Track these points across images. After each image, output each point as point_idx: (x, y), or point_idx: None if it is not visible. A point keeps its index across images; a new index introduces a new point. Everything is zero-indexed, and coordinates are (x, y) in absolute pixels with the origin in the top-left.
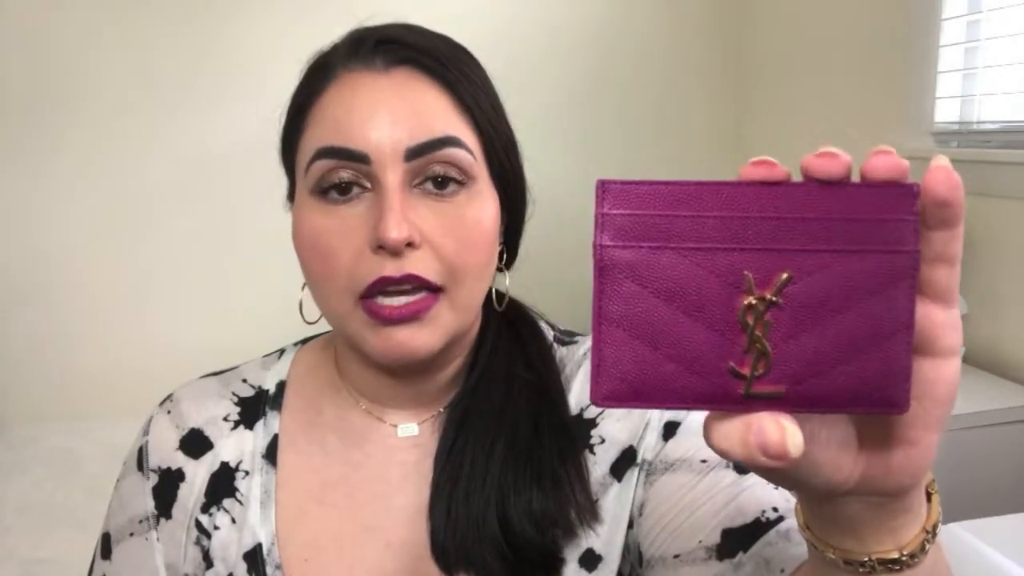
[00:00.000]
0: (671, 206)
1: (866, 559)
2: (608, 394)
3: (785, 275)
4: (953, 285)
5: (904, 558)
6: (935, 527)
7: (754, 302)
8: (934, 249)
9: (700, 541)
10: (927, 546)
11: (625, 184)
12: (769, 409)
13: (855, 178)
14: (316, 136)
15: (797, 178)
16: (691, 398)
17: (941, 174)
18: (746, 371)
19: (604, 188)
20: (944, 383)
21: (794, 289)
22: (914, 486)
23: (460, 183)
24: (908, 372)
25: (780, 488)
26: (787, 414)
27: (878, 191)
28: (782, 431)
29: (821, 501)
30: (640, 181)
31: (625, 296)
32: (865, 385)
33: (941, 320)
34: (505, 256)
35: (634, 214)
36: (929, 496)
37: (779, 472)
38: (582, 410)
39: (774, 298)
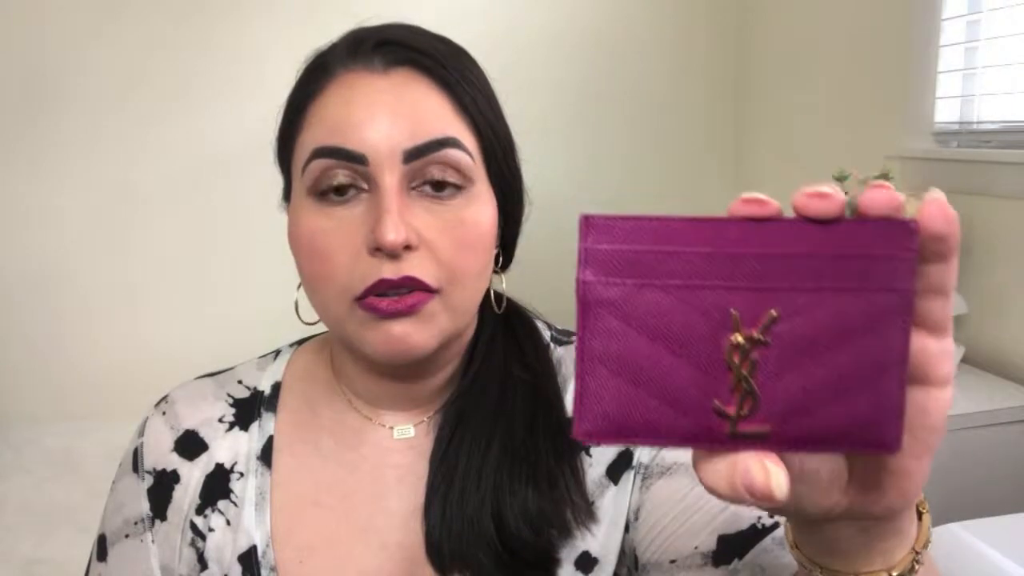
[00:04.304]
0: (656, 241)
1: None
2: (590, 431)
3: (773, 313)
4: (947, 316)
5: None
6: (925, 545)
7: (740, 341)
8: (929, 282)
9: (696, 547)
10: (916, 566)
11: (609, 219)
12: (755, 448)
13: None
14: (314, 135)
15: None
16: (675, 436)
17: (937, 208)
18: (732, 410)
19: (588, 223)
20: (937, 412)
21: (782, 328)
22: (905, 509)
23: (458, 187)
24: (901, 411)
25: None
26: (773, 454)
27: (873, 228)
28: (767, 474)
29: (810, 525)
30: (625, 216)
31: (608, 333)
32: (854, 424)
33: (935, 350)
34: (501, 259)
35: (618, 249)
36: (920, 516)
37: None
38: None
39: (761, 337)
